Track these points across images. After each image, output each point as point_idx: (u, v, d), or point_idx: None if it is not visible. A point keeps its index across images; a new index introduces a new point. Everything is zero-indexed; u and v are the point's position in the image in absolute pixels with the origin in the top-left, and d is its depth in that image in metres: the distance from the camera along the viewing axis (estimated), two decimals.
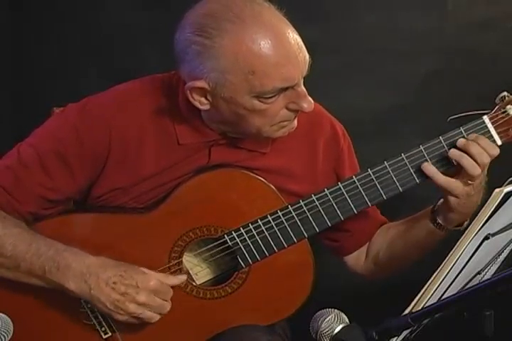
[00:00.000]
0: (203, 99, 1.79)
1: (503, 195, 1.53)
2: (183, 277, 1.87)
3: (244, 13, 1.71)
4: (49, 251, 1.80)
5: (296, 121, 1.85)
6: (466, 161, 1.79)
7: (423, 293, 1.56)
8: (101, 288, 1.77)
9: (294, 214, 1.86)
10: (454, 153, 1.82)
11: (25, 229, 1.85)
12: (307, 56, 1.76)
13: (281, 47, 1.71)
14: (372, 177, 1.85)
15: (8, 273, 1.84)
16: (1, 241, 1.82)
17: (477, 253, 1.60)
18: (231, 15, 1.70)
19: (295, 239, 1.88)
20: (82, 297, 1.81)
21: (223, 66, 1.71)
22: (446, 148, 1.84)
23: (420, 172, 1.85)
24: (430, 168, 1.83)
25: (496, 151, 1.82)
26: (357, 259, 2.07)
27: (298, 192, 1.92)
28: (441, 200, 1.89)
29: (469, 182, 1.81)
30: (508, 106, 1.83)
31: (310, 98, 1.79)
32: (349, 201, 1.86)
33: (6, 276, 1.85)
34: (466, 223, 1.90)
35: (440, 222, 1.90)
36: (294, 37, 1.73)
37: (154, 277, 1.81)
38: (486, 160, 1.80)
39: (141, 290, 1.78)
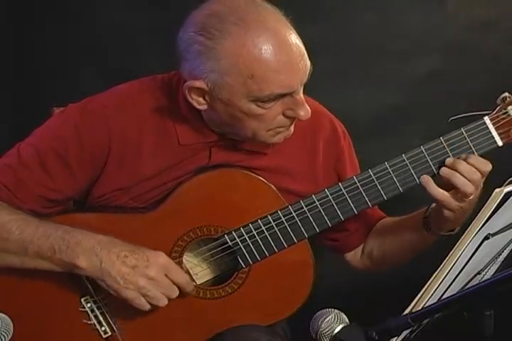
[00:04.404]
0: (200, 99, 1.79)
1: (503, 195, 1.54)
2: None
3: (248, 17, 1.71)
4: (57, 232, 1.81)
5: (292, 128, 1.85)
6: (457, 180, 1.78)
7: (423, 293, 1.56)
8: (112, 261, 1.77)
9: (294, 214, 1.86)
10: (444, 171, 1.81)
11: (29, 215, 1.85)
12: (308, 64, 1.76)
13: (283, 53, 1.71)
14: (373, 177, 1.85)
15: (15, 260, 1.83)
16: (8, 226, 1.82)
17: (477, 253, 1.60)
18: (236, 17, 1.70)
19: (295, 240, 1.88)
20: (92, 273, 1.80)
21: (223, 67, 1.71)
22: (447, 148, 1.83)
23: (421, 172, 1.85)
24: (430, 183, 1.81)
25: (489, 167, 1.80)
26: (354, 255, 2.08)
27: (297, 191, 1.92)
28: (434, 205, 1.90)
29: (464, 198, 1.81)
30: (509, 107, 1.83)
31: (307, 106, 1.78)
32: (349, 201, 1.86)
33: (13, 263, 1.84)
34: (457, 228, 1.90)
35: (432, 228, 1.90)
36: (296, 44, 1.73)
37: (164, 255, 1.82)
38: (477, 177, 1.78)
39: (151, 264, 1.79)
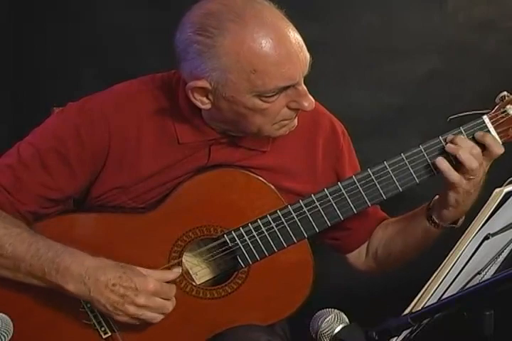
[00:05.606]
0: (204, 99, 1.79)
1: (503, 195, 1.53)
2: (178, 270, 1.87)
3: (245, 13, 1.71)
4: (48, 253, 1.80)
5: (296, 120, 1.85)
6: (463, 154, 1.80)
7: (423, 293, 1.56)
8: (100, 290, 1.77)
9: (293, 214, 1.86)
10: (450, 146, 1.82)
11: (25, 229, 1.85)
12: (308, 55, 1.76)
13: (282, 46, 1.71)
14: (372, 177, 1.85)
15: (8, 274, 1.84)
16: (1, 242, 1.82)
17: (477, 253, 1.60)
18: (232, 14, 1.71)
19: (295, 239, 1.88)
20: (82, 298, 1.82)
21: (225, 65, 1.71)
22: None
23: (420, 172, 1.85)
24: (444, 164, 1.82)
25: (489, 139, 1.82)
26: (358, 257, 2.08)
27: (297, 190, 1.93)
28: (437, 197, 1.90)
29: (470, 177, 1.81)
30: (508, 106, 1.83)
31: (311, 97, 1.79)
32: (349, 201, 1.86)
33: (7, 276, 1.84)
34: (460, 221, 1.91)
35: (435, 219, 1.91)
36: (294, 36, 1.74)
37: (153, 279, 1.81)
38: (476, 151, 1.80)
39: (140, 293, 1.78)
